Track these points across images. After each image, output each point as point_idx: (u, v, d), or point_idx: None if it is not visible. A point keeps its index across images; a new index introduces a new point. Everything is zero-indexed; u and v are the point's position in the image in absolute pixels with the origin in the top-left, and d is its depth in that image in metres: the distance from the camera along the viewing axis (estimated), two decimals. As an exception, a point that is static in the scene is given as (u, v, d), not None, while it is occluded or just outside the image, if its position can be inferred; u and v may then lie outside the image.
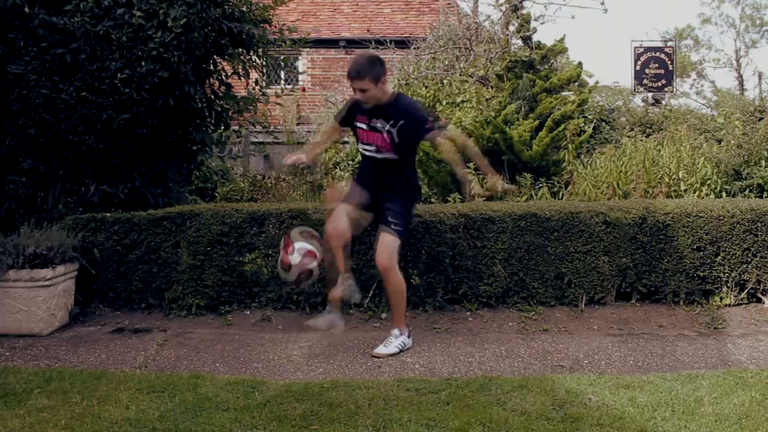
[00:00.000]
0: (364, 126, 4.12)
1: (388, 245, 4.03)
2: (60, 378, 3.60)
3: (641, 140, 7.62)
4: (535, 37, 10.04)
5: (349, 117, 4.20)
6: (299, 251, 4.01)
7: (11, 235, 4.58)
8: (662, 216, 4.87)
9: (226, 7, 5.39)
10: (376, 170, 4.21)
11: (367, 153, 4.17)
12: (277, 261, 4.26)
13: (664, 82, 11.73)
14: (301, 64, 15.33)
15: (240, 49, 5.79)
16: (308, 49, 10.98)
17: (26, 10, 4.88)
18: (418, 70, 9.94)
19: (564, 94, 9.44)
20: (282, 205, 5.07)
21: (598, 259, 4.84)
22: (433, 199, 7.27)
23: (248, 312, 4.79)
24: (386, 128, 4.05)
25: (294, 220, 4.78)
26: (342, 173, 9.33)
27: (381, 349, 4.05)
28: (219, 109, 5.99)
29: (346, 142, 10.08)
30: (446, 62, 10.20)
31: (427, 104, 9.10)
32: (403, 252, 4.76)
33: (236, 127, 6.77)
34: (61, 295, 4.59)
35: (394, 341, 4.08)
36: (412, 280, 4.81)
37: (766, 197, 6.31)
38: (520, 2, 10.16)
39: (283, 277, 4.17)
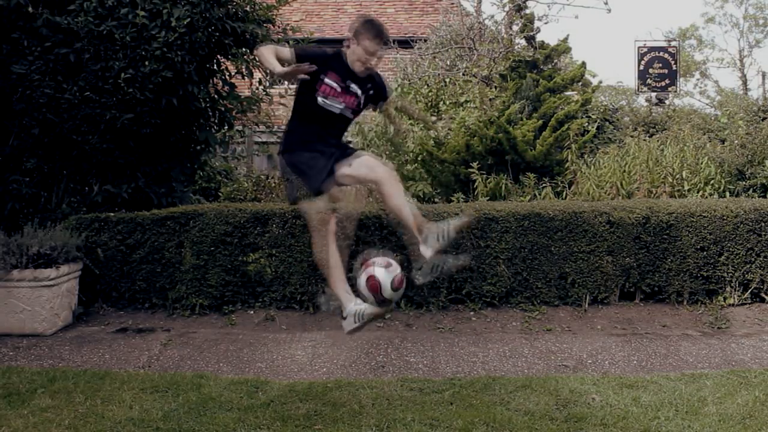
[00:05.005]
0: (335, 85, 3.78)
1: (370, 159, 3.68)
2: (63, 378, 3.61)
3: (645, 140, 7.60)
4: (539, 37, 10.05)
5: (321, 67, 3.67)
6: (378, 263, 3.51)
7: (15, 235, 4.59)
8: (666, 216, 4.86)
9: (229, 6, 5.39)
10: (325, 124, 3.82)
11: (326, 107, 3.77)
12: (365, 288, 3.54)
13: (667, 81, 11.70)
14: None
15: (244, 49, 5.80)
16: (312, 49, 10.95)
17: (30, 9, 4.89)
18: (417, 71, 9.92)
19: (567, 93, 9.44)
20: (285, 205, 5.05)
21: (602, 259, 4.83)
22: (436, 199, 7.27)
23: (252, 312, 4.79)
24: (359, 93, 3.84)
25: (297, 220, 4.77)
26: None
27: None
28: (222, 108, 6.01)
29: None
30: (448, 62, 10.19)
31: (429, 104, 9.09)
32: (407, 251, 4.76)
33: (240, 127, 6.79)
34: (64, 295, 4.60)
35: None
36: (415, 280, 4.80)
37: (769, 197, 6.29)
38: (524, 2, 10.15)
39: (391, 296, 3.51)
